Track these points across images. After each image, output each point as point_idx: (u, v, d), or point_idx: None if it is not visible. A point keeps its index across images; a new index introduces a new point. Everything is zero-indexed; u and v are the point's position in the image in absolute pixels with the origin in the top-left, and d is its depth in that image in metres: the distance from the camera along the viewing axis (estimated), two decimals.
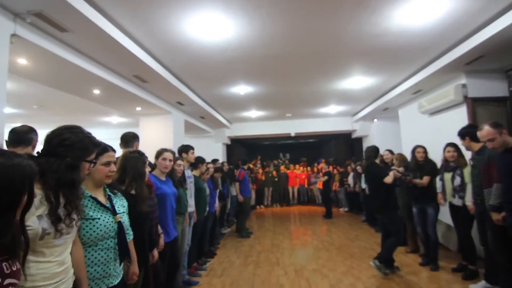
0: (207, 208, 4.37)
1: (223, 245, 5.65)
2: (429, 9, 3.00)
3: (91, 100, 4.74)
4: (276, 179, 10.86)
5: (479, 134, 2.76)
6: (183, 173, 3.35)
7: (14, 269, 0.88)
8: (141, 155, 2.16)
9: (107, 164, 1.57)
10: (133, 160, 2.09)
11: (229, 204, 6.73)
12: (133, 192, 2.02)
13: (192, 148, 4.00)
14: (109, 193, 1.65)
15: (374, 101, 7.11)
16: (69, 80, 3.77)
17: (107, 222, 1.51)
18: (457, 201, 3.64)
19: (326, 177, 8.42)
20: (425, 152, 4.21)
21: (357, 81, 5.45)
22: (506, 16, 3.03)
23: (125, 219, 1.64)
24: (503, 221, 2.66)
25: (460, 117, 4.63)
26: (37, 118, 7.17)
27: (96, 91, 4.30)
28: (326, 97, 6.79)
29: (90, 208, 1.49)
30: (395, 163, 4.81)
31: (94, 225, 1.47)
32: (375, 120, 8.83)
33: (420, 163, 4.12)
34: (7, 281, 0.84)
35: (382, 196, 3.83)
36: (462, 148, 3.67)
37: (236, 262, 4.60)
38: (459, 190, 3.60)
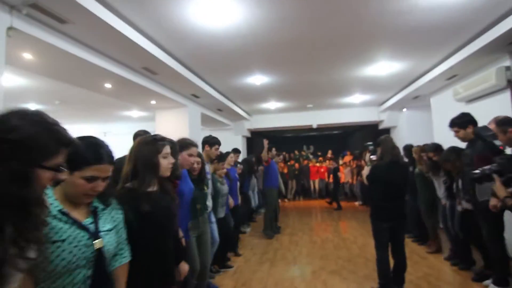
0: (224, 211, 3.96)
1: (241, 240, 5.51)
2: None
3: (104, 94, 4.72)
4: (296, 172, 10.57)
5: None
6: (202, 169, 2.81)
7: None
8: (154, 142, 1.59)
9: (92, 179, 1.10)
10: (144, 147, 1.56)
11: (254, 199, 6.47)
12: (151, 189, 1.53)
13: (218, 143, 3.43)
14: (97, 205, 1.20)
15: (403, 88, 6.55)
16: (77, 74, 3.73)
17: (76, 246, 1.05)
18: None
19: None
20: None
21: (383, 67, 4.98)
22: None
23: (111, 239, 1.18)
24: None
25: (502, 105, 4.07)
26: (61, 113, 7.37)
27: (108, 85, 4.25)
28: (350, 86, 6.35)
29: (55, 227, 1.03)
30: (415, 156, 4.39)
31: (55, 251, 1.00)
32: (404, 109, 8.21)
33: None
34: None
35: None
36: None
37: (251, 260, 4.43)
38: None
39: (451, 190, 3.65)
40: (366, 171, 3.29)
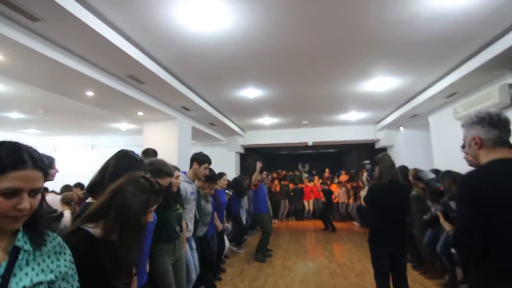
0: (205, 229, 3.59)
1: (229, 263, 5.09)
2: None
3: (86, 103, 4.44)
4: (292, 193, 10.25)
5: None
6: (179, 188, 2.55)
7: None
8: (152, 190, 1.20)
9: (12, 193, 0.78)
10: (131, 194, 1.14)
11: (244, 219, 6.15)
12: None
13: (208, 161, 3.04)
14: (21, 244, 0.82)
15: (401, 106, 6.38)
16: (55, 79, 3.45)
17: None
18: None
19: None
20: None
21: (381, 82, 4.80)
22: None
23: None
24: None
25: None
26: (46, 124, 7.06)
27: (89, 93, 3.98)
28: (346, 102, 6.16)
29: None
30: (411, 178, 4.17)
31: None
32: (402, 128, 8.04)
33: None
34: None
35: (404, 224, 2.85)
36: None
37: (239, 287, 4.03)
38: None
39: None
40: (364, 192, 2.99)
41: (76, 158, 9.02)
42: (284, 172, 11.73)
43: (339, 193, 9.88)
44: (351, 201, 9.45)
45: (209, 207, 3.59)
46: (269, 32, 3.08)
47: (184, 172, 2.93)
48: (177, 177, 2.39)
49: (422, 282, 4.04)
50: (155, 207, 1.23)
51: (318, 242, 6.96)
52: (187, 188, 2.81)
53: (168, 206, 2.20)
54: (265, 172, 5.58)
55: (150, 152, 3.54)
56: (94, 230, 1.11)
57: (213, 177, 3.55)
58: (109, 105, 4.69)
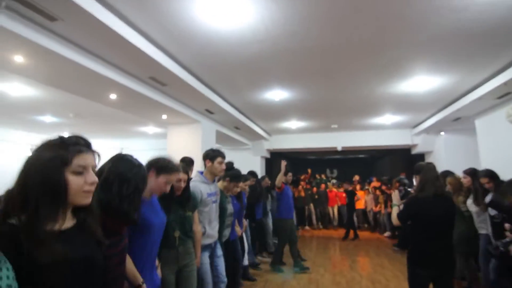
0: (228, 232, 3.35)
1: (252, 273, 4.83)
2: None
3: (110, 106, 4.43)
4: (316, 196, 9.71)
5: None
6: (187, 188, 2.22)
7: None
8: (60, 146, 0.93)
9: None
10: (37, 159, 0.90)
11: (270, 223, 5.80)
12: (58, 226, 0.88)
13: (221, 155, 2.70)
14: None
15: (443, 108, 5.81)
16: (77, 82, 3.42)
17: None
18: None
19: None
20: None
21: (421, 82, 4.35)
22: None
23: None
24: None
25: None
26: (77, 127, 7.27)
27: (113, 96, 3.94)
28: (380, 105, 5.71)
29: None
30: (449, 188, 3.69)
31: None
32: (442, 133, 7.37)
33: None
34: None
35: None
36: None
37: None
38: None
39: (500, 228, 2.91)
40: (395, 212, 2.59)
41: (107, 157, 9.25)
42: (310, 171, 11.20)
43: (366, 200, 9.31)
44: (378, 208, 8.84)
45: (230, 207, 3.28)
46: (296, 28, 2.82)
47: (201, 173, 2.68)
48: (179, 180, 2.06)
49: None
50: (89, 160, 0.95)
51: (347, 254, 6.50)
52: (203, 189, 2.54)
53: (166, 209, 1.98)
54: (290, 174, 5.11)
55: (187, 160, 3.62)
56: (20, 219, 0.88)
57: (238, 176, 3.26)
58: (133, 108, 4.65)
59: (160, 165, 1.72)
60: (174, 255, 2.06)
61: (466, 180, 4.28)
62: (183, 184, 2.06)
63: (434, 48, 3.28)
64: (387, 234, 8.37)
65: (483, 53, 3.39)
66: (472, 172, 4.17)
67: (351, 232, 7.70)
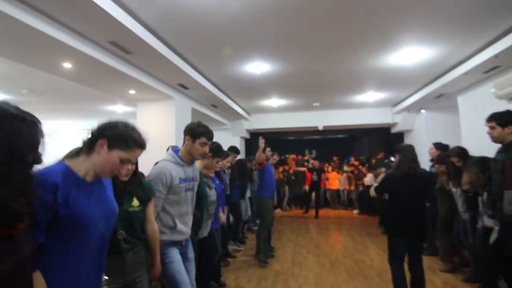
0: (209, 226, 2.78)
1: (233, 260, 4.58)
2: None
3: (67, 78, 3.83)
4: (293, 177, 9.56)
5: None
6: (136, 173, 1.67)
7: None
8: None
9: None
10: None
11: (246, 210, 5.40)
12: None
13: (206, 134, 2.04)
14: None
15: (427, 84, 5.65)
16: (20, 46, 2.83)
17: None
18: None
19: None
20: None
21: (410, 53, 4.10)
22: None
23: None
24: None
25: None
26: (34, 106, 6.49)
27: (67, 65, 3.36)
28: (365, 80, 5.46)
29: None
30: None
31: None
32: (423, 111, 7.32)
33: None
34: None
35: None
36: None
37: None
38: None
39: (473, 202, 3.14)
40: (368, 179, 2.95)
41: (76, 142, 8.52)
42: (292, 157, 11.02)
43: (340, 180, 9.62)
44: (353, 187, 9.27)
45: (213, 194, 2.83)
46: None
47: (176, 151, 2.09)
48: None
49: (442, 276, 3.53)
50: None
51: (328, 234, 6.43)
52: (175, 172, 1.97)
53: (125, 196, 1.56)
54: (268, 149, 4.54)
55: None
56: None
57: (220, 150, 2.68)
58: (93, 81, 4.06)
59: (118, 135, 1.19)
60: (118, 265, 1.52)
61: (431, 151, 4.52)
62: (131, 167, 1.43)
63: (426, 16, 3.01)
64: (356, 211, 8.73)
65: (479, 18, 3.15)
66: (438, 145, 4.40)
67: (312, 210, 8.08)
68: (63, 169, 1.11)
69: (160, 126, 5.03)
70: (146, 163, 2.13)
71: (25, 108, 0.78)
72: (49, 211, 1.01)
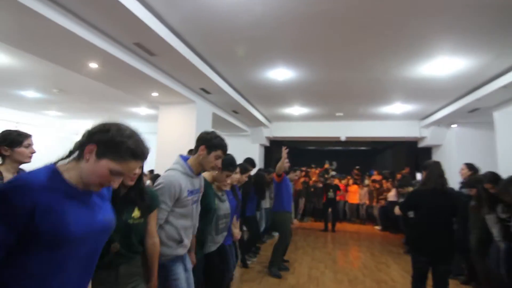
0: (218, 240, 2.56)
1: (246, 271, 4.44)
2: None
3: (93, 78, 3.92)
4: (312, 189, 9.28)
5: None
6: (141, 181, 1.56)
7: None
8: None
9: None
10: None
11: (259, 223, 5.26)
12: None
13: (222, 147, 1.93)
14: None
15: (461, 97, 5.33)
16: (50, 44, 2.91)
17: None
18: None
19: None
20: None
21: (444, 64, 3.86)
22: None
23: None
24: None
25: None
26: (66, 106, 6.76)
27: (93, 65, 3.43)
28: (392, 91, 5.23)
29: None
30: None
31: None
32: (454, 125, 6.92)
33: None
34: None
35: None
36: None
37: None
38: None
39: (509, 229, 2.82)
40: (392, 194, 2.72)
41: None
42: (327, 165, 10.80)
43: (360, 194, 9.24)
44: (374, 203, 8.83)
45: (225, 207, 2.58)
46: None
47: (185, 159, 1.95)
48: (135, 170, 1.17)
49: None
50: None
51: (348, 249, 6.14)
52: (184, 184, 1.84)
53: (126, 206, 1.45)
54: (286, 160, 4.30)
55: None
56: None
57: (231, 163, 2.46)
58: (118, 82, 4.14)
59: (108, 142, 0.95)
60: (111, 278, 1.40)
61: (463, 172, 4.14)
62: (137, 171, 1.35)
63: (463, 23, 2.80)
64: (378, 227, 8.29)
65: None
66: (471, 167, 4.01)
67: (329, 224, 7.72)
68: (48, 174, 0.92)
69: (180, 130, 5.04)
70: (164, 168, 2.00)
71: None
72: (14, 231, 0.83)
